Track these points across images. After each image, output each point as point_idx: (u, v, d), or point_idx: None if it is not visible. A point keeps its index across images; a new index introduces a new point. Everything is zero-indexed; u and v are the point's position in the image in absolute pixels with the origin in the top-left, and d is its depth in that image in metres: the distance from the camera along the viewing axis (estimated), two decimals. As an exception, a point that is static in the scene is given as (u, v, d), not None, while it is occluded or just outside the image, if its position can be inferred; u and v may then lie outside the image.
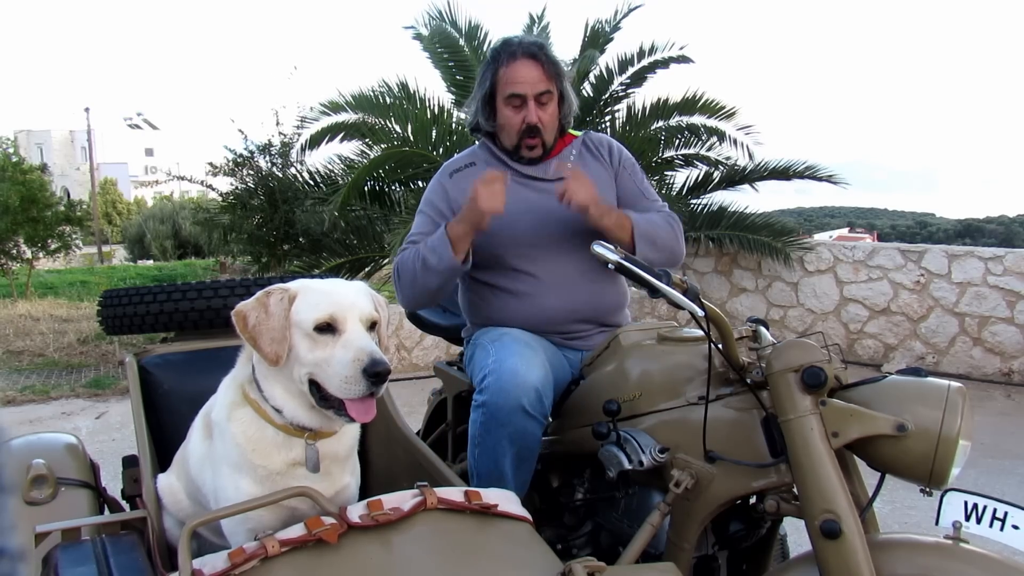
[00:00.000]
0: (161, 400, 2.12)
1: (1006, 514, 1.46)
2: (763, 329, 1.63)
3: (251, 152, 8.05)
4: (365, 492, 1.64)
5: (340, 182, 6.85)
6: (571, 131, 2.24)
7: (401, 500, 1.36)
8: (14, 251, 10.40)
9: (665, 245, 2.05)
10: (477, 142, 2.27)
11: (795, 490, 1.54)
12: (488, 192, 1.88)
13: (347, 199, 6.21)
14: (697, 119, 7.05)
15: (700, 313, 1.57)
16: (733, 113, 7.00)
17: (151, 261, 20.28)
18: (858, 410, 1.47)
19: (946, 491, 1.49)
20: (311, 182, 7.54)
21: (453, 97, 6.79)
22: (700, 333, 1.70)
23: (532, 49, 2.07)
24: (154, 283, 3.54)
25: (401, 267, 2.07)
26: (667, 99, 6.94)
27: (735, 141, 7.10)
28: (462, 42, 6.72)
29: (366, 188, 6.80)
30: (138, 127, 58.99)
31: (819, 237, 9.05)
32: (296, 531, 1.28)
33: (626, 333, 1.92)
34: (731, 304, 7.01)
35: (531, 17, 7.02)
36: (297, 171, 7.86)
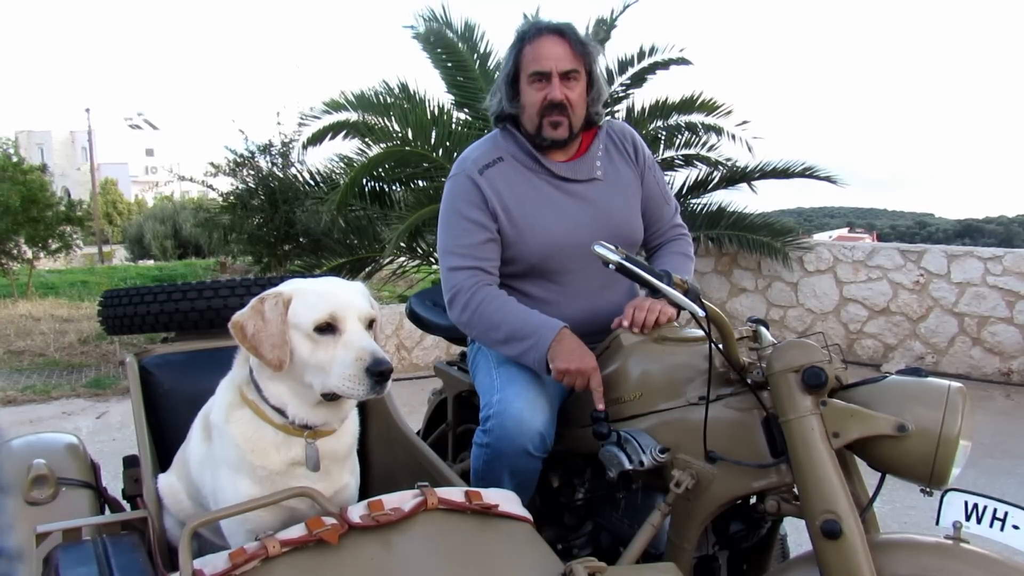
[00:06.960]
0: (161, 400, 2.12)
1: (1006, 514, 1.45)
2: (763, 329, 1.63)
3: (251, 152, 8.07)
4: (365, 492, 1.64)
5: (340, 182, 6.86)
6: None
7: (402, 500, 1.36)
8: (15, 251, 10.41)
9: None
10: (497, 131, 2.10)
11: (795, 490, 1.54)
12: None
13: (346, 198, 6.20)
14: (695, 117, 7.06)
15: (701, 313, 1.56)
16: (730, 111, 7.02)
17: (151, 261, 20.27)
18: (859, 410, 1.47)
19: (946, 491, 1.49)
20: (311, 182, 7.55)
21: (453, 98, 6.79)
22: (700, 333, 1.70)
23: (559, 27, 1.97)
24: (154, 283, 3.54)
25: (466, 300, 1.94)
26: (666, 99, 6.95)
27: (734, 137, 7.12)
28: (459, 43, 6.72)
29: (366, 188, 6.80)
30: (138, 127, 58.99)
31: (819, 237, 9.04)
32: (297, 531, 1.28)
33: (627, 333, 1.91)
34: (731, 304, 7.01)
35: (525, 18, 7.02)
36: (297, 171, 7.87)
